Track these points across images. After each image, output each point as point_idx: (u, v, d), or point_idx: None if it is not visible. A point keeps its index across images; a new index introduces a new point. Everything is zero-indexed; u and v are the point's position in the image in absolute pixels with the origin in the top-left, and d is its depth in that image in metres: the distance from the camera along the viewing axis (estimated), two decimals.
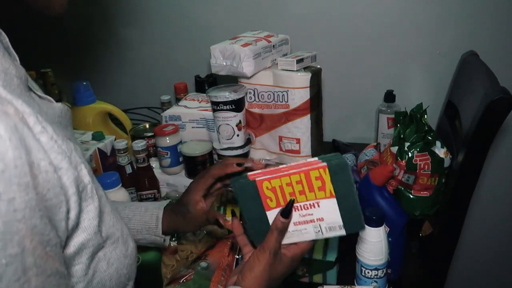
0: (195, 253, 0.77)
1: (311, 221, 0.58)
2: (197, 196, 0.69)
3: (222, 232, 0.83)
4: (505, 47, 1.17)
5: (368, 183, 0.79)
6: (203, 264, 0.77)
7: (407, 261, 0.81)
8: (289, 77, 0.99)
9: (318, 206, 0.57)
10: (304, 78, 0.98)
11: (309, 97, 0.99)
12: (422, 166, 0.89)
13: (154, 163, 1.10)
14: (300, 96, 0.99)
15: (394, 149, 0.93)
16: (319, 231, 0.59)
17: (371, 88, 1.28)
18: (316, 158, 0.57)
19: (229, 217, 0.88)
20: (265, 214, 0.59)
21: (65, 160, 0.36)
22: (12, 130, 0.31)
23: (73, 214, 0.37)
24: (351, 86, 1.31)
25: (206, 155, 1.04)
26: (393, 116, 1.12)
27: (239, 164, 0.64)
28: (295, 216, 0.59)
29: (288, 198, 0.58)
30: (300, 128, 1.02)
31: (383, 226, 0.69)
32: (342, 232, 0.58)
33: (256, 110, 1.08)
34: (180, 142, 1.08)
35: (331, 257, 0.77)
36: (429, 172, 0.89)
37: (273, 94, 1.03)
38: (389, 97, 1.19)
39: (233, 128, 1.04)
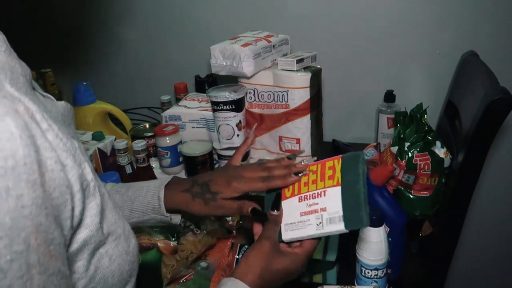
0: (195, 253, 0.77)
1: (315, 211, 0.57)
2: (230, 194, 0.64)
3: (222, 232, 0.83)
4: (505, 47, 1.17)
5: (368, 183, 0.79)
6: (203, 264, 0.77)
7: (407, 261, 0.81)
8: (289, 77, 0.99)
9: (324, 195, 0.57)
10: (304, 78, 0.98)
11: (309, 97, 0.99)
12: (422, 166, 0.89)
13: (154, 163, 1.10)
14: (300, 96, 0.99)
15: (394, 149, 0.93)
16: (320, 223, 0.56)
17: (371, 88, 1.28)
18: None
19: (229, 218, 0.88)
20: (281, 203, 0.61)
21: (70, 157, 0.37)
22: (22, 128, 0.31)
23: (77, 211, 0.38)
24: (351, 86, 1.31)
25: (206, 155, 1.04)
26: (393, 116, 1.12)
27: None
28: (303, 205, 0.58)
29: (302, 188, 0.59)
30: (300, 128, 1.02)
31: (383, 226, 0.69)
32: (341, 227, 0.54)
33: (256, 110, 1.08)
34: (180, 142, 1.08)
35: (331, 257, 0.77)
36: (429, 172, 0.89)
37: (273, 94, 1.03)
38: (389, 97, 1.19)
39: (233, 128, 1.04)
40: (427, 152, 0.89)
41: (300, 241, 0.59)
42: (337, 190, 0.55)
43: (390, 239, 0.73)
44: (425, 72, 1.25)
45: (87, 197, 0.40)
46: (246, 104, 1.07)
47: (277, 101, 1.03)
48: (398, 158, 0.91)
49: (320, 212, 0.57)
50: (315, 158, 1.04)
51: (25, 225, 0.30)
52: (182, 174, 1.08)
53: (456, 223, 0.88)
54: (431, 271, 0.87)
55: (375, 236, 0.69)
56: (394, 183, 0.93)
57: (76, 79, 1.24)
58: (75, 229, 0.39)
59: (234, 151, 1.05)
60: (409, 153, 0.89)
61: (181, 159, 1.07)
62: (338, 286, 0.71)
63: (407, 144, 0.90)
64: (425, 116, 0.94)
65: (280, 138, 1.06)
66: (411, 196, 0.92)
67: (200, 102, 1.15)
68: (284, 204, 0.60)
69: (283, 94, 1.01)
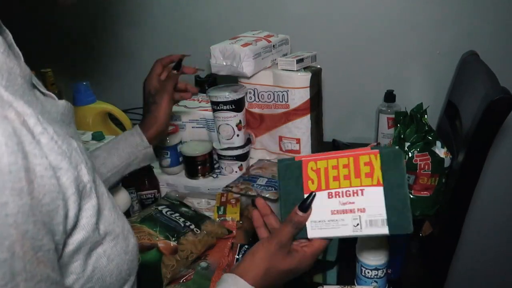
0: (195, 253, 0.77)
1: (351, 210, 0.54)
2: (153, 81, 0.84)
3: (222, 232, 0.83)
4: (505, 47, 1.17)
5: None
6: (203, 264, 0.77)
7: (407, 261, 0.81)
8: (289, 77, 0.99)
9: (362, 194, 0.53)
10: (304, 78, 0.98)
11: (309, 97, 0.99)
12: (422, 166, 0.89)
13: (154, 163, 1.10)
14: (300, 96, 0.99)
15: None
16: (358, 224, 0.53)
17: (371, 88, 1.28)
18: (369, 147, 0.55)
19: (229, 217, 0.88)
20: (303, 197, 0.56)
21: (65, 160, 0.37)
22: (10, 135, 0.31)
23: (72, 214, 0.38)
24: (351, 86, 1.31)
25: (206, 155, 1.04)
26: (393, 116, 1.12)
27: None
28: (334, 203, 0.55)
29: (332, 182, 0.55)
30: (300, 128, 1.02)
31: None
32: (385, 231, 0.52)
33: (256, 110, 1.08)
34: (180, 142, 1.08)
35: (331, 257, 0.77)
36: (429, 172, 0.89)
37: (273, 94, 1.02)
38: (389, 97, 1.19)
39: (233, 128, 1.04)
40: (427, 152, 0.89)
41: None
42: (379, 190, 0.52)
43: (390, 239, 0.73)
44: (425, 72, 1.25)
45: (83, 199, 0.40)
46: (246, 104, 1.07)
47: (277, 101, 1.02)
48: None
49: (358, 213, 0.54)
50: None
51: (9, 233, 0.30)
52: (182, 174, 1.08)
53: (456, 223, 0.88)
54: (431, 271, 0.87)
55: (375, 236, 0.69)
56: None
57: (76, 79, 1.24)
58: (69, 232, 0.39)
59: (234, 151, 1.05)
60: (409, 153, 0.89)
61: (181, 159, 1.07)
62: (338, 286, 0.70)
63: (407, 144, 0.90)
64: (425, 116, 0.94)
65: (280, 138, 1.06)
66: (411, 196, 0.92)
67: (200, 102, 1.15)
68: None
69: (283, 94, 1.01)
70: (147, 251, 0.73)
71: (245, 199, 0.97)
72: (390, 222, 0.52)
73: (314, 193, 0.55)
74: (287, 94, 1.00)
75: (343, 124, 1.35)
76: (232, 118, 1.03)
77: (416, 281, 0.83)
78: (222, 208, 0.91)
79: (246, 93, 1.06)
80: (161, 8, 1.39)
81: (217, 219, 0.88)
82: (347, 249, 0.77)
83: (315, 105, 1.03)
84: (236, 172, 1.06)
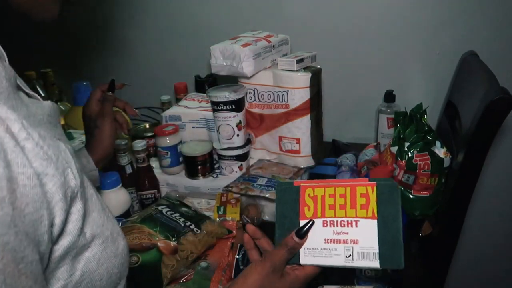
0: (195, 253, 0.77)
1: (344, 241, 0.54)
2: (92, 105, 0.83)
3: (222, 232, 0.83)
4: (505, 47, 1.17)
5: None
6: (203, 264, 0.77)
7: (407, 261, 0.81)
8: (289, 77, 0.99)
9: (356, 225, 0.54)
10: (304, 78, 0.98)
11: (309, 97, 0.99)
12: (422, 166, 0.89)
13: (154, 163, 1.10)
14: (300, 96, 0.99)
15: (394, 149, 0.93)
16: (350, 255, 0.54)
17: (371, 88, 1.28)
18: (367, 178, 0.55)
19: (229, 217, 0.88)
20: (299, 222, 0.57)
21: (50, 166, 0.36)
22: None
23: (59, 221, 0.37)
24: (351, 86, 1.31)
25: (206, 155, 1.04)
26: (393, 116, 1.12)
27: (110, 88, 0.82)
28: (329, 232, 0.55)
29: (327, 211, 0.55)
30: (300, 128, 1.02)
31: None
32: (376, 264, 0.52)
33: (256, 110, 1.08)
34: (180, 142, 1.08)
35: None
36: (429, 172, 0.89)
37: (273, 94, 1.03)
38: (389, 97, 1.19)
39: (233, 128, 1.04)
40: (427, 152, 0.89)
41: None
42: (373, 224, 0.53)
43: None
44: (425, 72, 1.25)
45: (70, 204, 0.39)
46: (246, 104, 1.07)
47: (277, 101, 1.03)
48: (398, 158, 0.91)
49: (351, 244, 0.54)
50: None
51: None
52: (182, 174, 1.08)
53: (456, 223, 0.88)
54: (431, 271, 0.87)
55: None
56: None
57: (76, 79, 1.24)
58: (56, 239, 0.38)
59: (234, 151, 1.05)
60: (409, 153, 0.90)
61: (181, 159, 1.07)
62: (338, 286, 0.71)
63: (407, 144, 0.90)
64: (425, 116, 0.94)
65: (280, 138, 1.06)
66: (411, 196, 0.92)
67: (200, 102, 1.15)
68: (302, 223, 0.57)
69: (283, 94, 1.01)
70: (147, 251, 0.73)
71: (245, 199, 0.97)
72: (381, 256, 0.53)
73: (312, 221, 0.56)
74: (287, 94, 1.00)
75: (343, 124, 1.35)
76: (232, 118, 1.03)
77: (416, 281, 0.83)
78: (222, 208, 0.92)
79: (246, 93, 1.06)
80: (161, 8, 1.40)
81: (217, 219, 0.88)
82: None
83: (315, 105, 1.03)
84: (236, 172, 1.06)
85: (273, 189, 0.93)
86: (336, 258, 0.55)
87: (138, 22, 1.45)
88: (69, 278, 0.41)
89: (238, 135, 1.05)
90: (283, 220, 0.58)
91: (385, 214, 0.53)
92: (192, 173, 1.05)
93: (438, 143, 0.91)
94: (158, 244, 0.74)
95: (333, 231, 0.55)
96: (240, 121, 1.04)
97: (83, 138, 1.09)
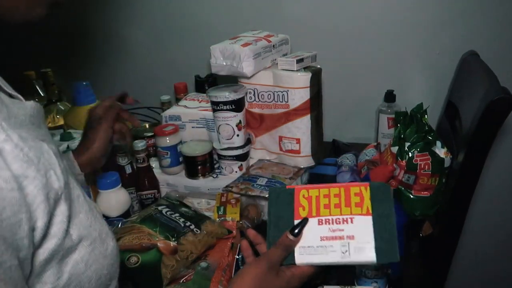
0: (195, 253, 0.77)
1: (340, 237, 0.56)
2: (98, 109, 0.83)
3: (222, 232, 0.83)
4: (505, 47, 1.17)
5: None
6: (203, 264, 0.77)
7: (407, 261, 0.81)
8: (289, 77, 0.99)
9: (352, 222, 0.56)
10: (304, 78, 0.98)
11: (309, 97, 0.99)
12: (422, 166, 0.89)
13: (154, 163, 1.10)
14: (300, 96, 0.99)
15: (395, 149, 0.93)
16: (346, 251, 0.55)
17: (371, 88, 1.28)
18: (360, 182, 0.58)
19: (229, 217, 0.88)
20: (293, 222, 0.58)
21: (31, 168, 0.35)
22: None
23: (41, 224, 0.36)
24: (351, 86, 1.31)
25: (206, 155, 1.04)
26: (393, 116, 1.12)
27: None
28: (324, 229, 0.56)
29: (322, 210, 0.57)
30: (300, 128, 1.02)
31: None
32: (372, 258, 0.54)
33: (256, 110, 1.08)
34: (180, 142, 1.08)
35: None
36: (430, 172, 0.89)
37: (273, 94, 1.02)
38: (389, 97, 1.19)
39: (233, 128, 1.04)
40: (427, 152, 0.89)
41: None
42: (368, 220, 0.55)
43: None
44: (425, 72, 1.25)
45: (54, 206, 0.39)
46: (246, 104, 1.07)
47: (277, 101, 1.02)
48: (399, 158, 0.91)
49: (347, 240, 0.55)
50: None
51: None
52: (182, 174, 1.08)
53: (456, 223, 0.88)
54: (431, 271, 0.87)
55: None
56: (394, 183, 0.93)
57: (76, 79, 1.24)
58: (39, 242, 0.37)
59: (234, 151, 1.05)
60: (409, 153, 0.89)
61: (181, 159, 1.07)
62: (338, 286, 0.70)
63: (407, 144, 0.90)
64: (425, 116, 0.94)
65: (280, 138, 1.06)
66: (411, 196, 0.92)
67: (200, 102, 1.15)
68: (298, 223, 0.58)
69: (283, 94, 1.01)
70: (147, 251, 0.73)
71: (245, 199, 0.97)
72: (377, 250, 0.54)
73: (306, 219, 0.57)
74: (287, 94, 1.00)
75: (343, 124, 1.35)
76: (232, 118, 1.03)
77: (416, 281, 0.83)
78: (222, 208, 0.91)
79: (246, 93, 1.06)
80: (161, 8, 1.40)
81: (217, 219, 0.88)
82: None
83: (315, 105, 1.03)
84: (236, 172, 1.06)
85: None
86: (333, 255, 0.56)
87: (138, 22, 1.44)
88: (56, 282, 0.40)
89: (238, 135, 1.05)
90: (277, 221, 0.59)
91: (379, 211, 0.55)
92: (192, 173, 1.05)
93: (438, 143, 0.91)
94: (158, 244, 0.74)
95: (329, 228, 0.56)
96: (240, 121, 1.04)
97: None
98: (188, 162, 1.05)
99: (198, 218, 0.83)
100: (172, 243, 0.75)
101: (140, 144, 0.96)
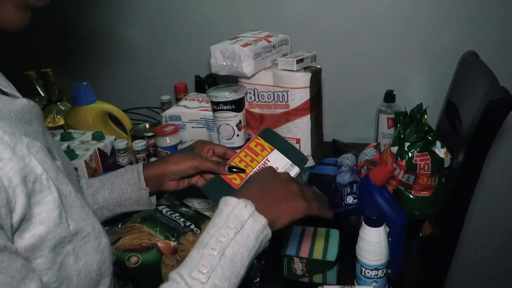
0: None
1: None
2: (205, 151, 0.78)
3: None
4: (505, 47, 1.17)
5: (368, 183, 0.79)
6: None
7: (407, 261, 0.81)
8: (289, 77, 0.99)
9: (269, 161, 0.74)
10: (304, 78, 0.98)
11: (309, 97, 0.99)
12: (422, 166, 0.89)
13: None
14: (300, 96, 0.99)
15: (394, 149, 0.93)
16: None
17: (371, 88, 1.28)
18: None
19: None
20: (230, 187, 0.71)
21: (6, 150, 0.37)
22: None
23: (19, 205, 0.37)
24: (351, 86, 1.31)
25: None
26: (393, 116, 1.12)
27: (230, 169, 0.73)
28: None
29: (248, 168, 0.73)
30: (300, 128, 1.02)
31: (383, 226, 0.69)
32: (296, 169, 0.73)
33: (256, 110, 1.08)
34: (180, 142, 1.08)
35: (331, 257, 0.77)
36: (429, 172, 0.89)
37: (273, 94, 1.03)
38: (389, 97, 1.19)
39: (233, 128, 1.04)
40: (427, 152, 0.89)
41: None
42: (276, 152, 0.75)
43: (390, 239, 0.73)
44: (425, 72, 1.25)
45: (39, 191, 0.40)
46: (246, 104, 1.07)
47: (277, 101, 1.02)
48: (398, 158, 0.91)
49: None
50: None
51: None
52: None
53: (456, 223, 0.88)
54: (431, 271, 0.87)
55: (375, 236, 0.69)
56: (394, 183, 0.93)
57: (76, 79, 1.24)
58: (18, 224, 0.38)
59: (234, 151, 1.05)
60: (409, 153, 0.89)
61: None
62: (338, 286, 0.71)
63: (407, 144, 0.90)
64: (425, 116, 0.94)
65: None
66: (411, 196, 0.92)
67: (200, 102, 1.15)
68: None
69: (283, 94, 1.01)
70: (147, 251, 0.73)
71: None
72: (294, 163, 0.74)
73: (243, 169, 0.73)
74: (287, 94, 1.00)
75: (343, 124, 1.35)
76: (232, 118, 1.03)
77: (416, 281, 0.83)
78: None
79: (246, 93, 1.06)
80: (161, 8, 1.40)
81: None
82: (347, 249, 0.78)
83: (315, 105, 1.03)
84: None
85: None
86: None
87: (138, 22, 1.45)
88: (46, 271, 0.41)
89: (238, 135, 1.05)
90: (218, 197, 0.61)
91: (275, 143, 0.76)
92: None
93: (438, 143, 0.91)
94: (158, 244, 0.74)
95: None
96: (240, 121, 1.04)
97: (83, 138, 1.09)
98: None
99: (198, 218, 0.83)
100: (172, 243, 0.75)
101: (140, 144, 0.96)
